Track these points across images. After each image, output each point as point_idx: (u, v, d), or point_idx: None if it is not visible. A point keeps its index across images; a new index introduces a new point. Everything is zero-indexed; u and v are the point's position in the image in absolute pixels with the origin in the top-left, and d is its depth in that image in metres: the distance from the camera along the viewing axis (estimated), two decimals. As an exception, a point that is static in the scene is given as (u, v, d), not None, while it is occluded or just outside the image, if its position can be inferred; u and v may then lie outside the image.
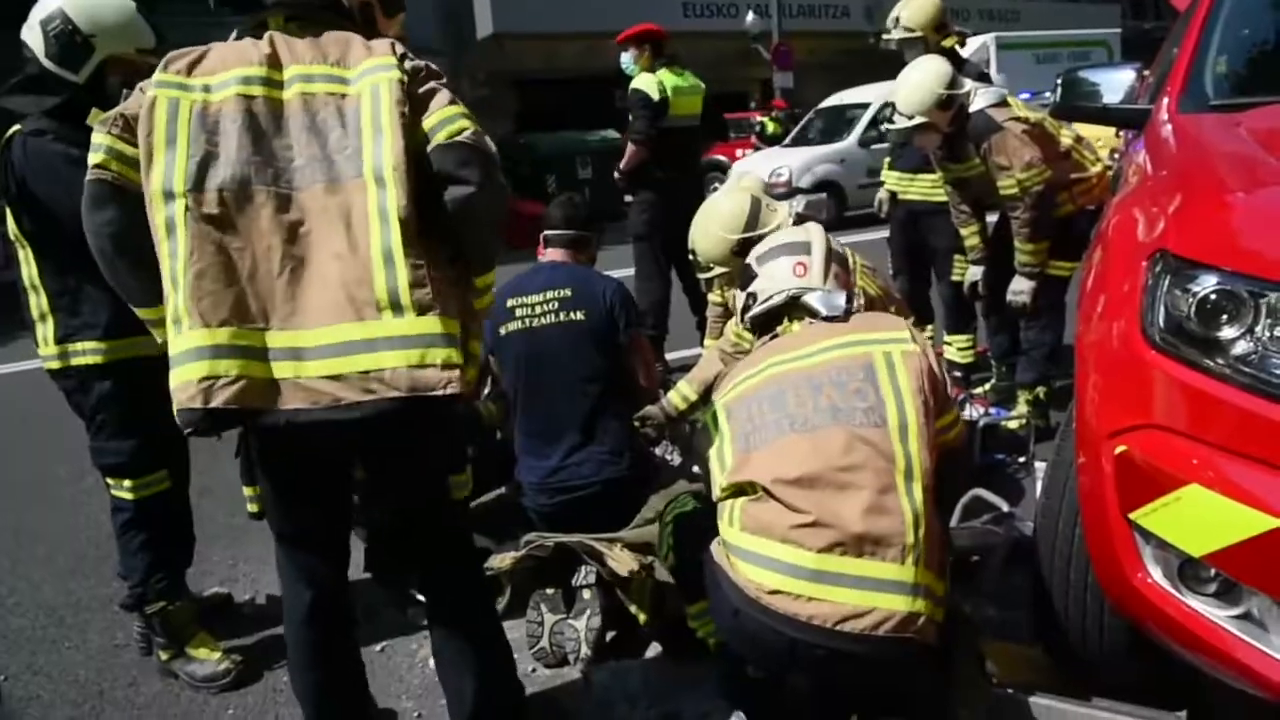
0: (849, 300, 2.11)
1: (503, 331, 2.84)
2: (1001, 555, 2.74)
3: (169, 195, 1.64)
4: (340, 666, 1.98)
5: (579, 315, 2.77)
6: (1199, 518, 1.50)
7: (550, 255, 2.98)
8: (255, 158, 1.67)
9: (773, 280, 2.16)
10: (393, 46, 1.80)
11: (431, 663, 2.59)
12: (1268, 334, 1.50)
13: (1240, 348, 1.52)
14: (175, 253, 1.63)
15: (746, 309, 2.22)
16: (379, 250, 1.66)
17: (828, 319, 2.05)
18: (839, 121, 13.33)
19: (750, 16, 20.15)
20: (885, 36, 4.44)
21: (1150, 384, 1.63)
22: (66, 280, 2.37)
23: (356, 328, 1.64)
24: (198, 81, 1.72)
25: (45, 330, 2.43)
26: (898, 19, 4.32)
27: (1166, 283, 1.63)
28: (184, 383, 1.60)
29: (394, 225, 1.66)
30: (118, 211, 1.69)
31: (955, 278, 4.42)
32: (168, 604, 2.57)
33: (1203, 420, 1.54)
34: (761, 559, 1.77)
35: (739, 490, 1.88)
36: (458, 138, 1.73)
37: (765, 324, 2.19)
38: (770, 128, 13.52)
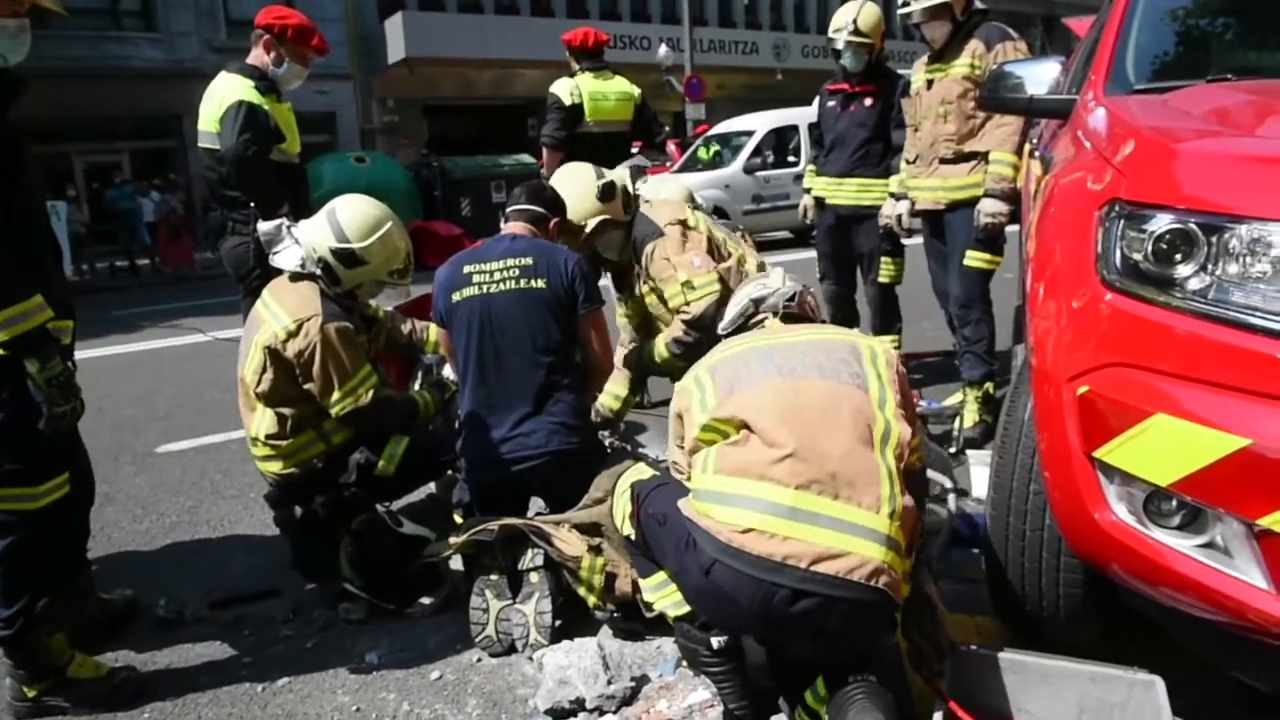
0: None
1: (456, 298, 2.73)
2: (946, 531, 2.76)
3: None
4: None
5: (539, 284, 2.69)
6: (1165, 446, 1.52)
7: (511, 228, 2.89)
8: None
9: (763, 286, 2.29)
10: None
11: (368, 656, 2.45)
12: (1221, 266, 1.55)
13: (1196, 282, 1.57)
14: None
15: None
16: None
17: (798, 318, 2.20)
18: (724, 148, 13.55)
19: (663, 49, 20.54)
20: (903, 11, 3.81)
21: (1109, 325, 1.66)
22: None
23: None
24: None
25: None
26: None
27: (1121, 227, 1.68)
28: None
29: None
30: None
31: (882, 279, 4.52)
32: (48, 631, 2.24)
33: (1163, 353, 1.57)
34: (737, 499, 1.73)
35: (713, 438, 1.85)
36: None
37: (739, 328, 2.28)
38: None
